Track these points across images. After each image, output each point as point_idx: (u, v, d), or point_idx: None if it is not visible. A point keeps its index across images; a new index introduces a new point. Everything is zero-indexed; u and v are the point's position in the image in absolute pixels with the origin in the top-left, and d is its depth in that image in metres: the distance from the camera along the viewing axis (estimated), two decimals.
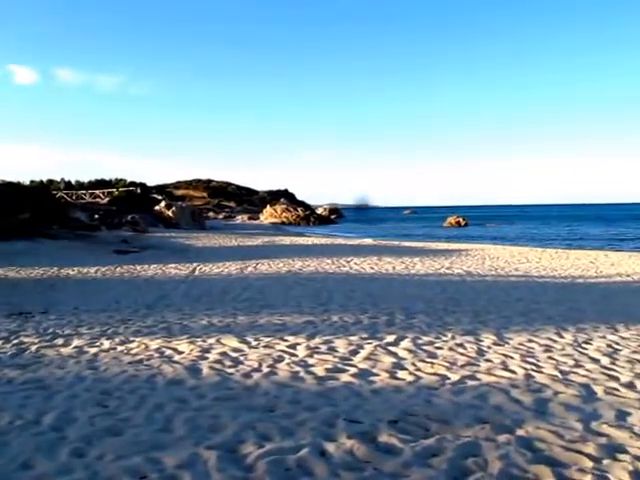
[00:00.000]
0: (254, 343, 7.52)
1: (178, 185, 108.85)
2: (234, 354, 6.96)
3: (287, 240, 32.97)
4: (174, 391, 5.55)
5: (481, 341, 7.73)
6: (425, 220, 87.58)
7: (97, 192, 50.94)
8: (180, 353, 7.03)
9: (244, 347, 7.31)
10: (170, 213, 44.85)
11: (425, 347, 7.34)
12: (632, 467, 3.95)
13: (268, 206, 78.42)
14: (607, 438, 4.46)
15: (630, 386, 5.89)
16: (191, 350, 7.15)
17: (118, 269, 17.07)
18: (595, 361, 6.88)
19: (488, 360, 6.76)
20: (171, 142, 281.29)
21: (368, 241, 34.54)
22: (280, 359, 6.75)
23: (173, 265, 18.05)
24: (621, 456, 4.14)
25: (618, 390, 5.73)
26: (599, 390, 5.70)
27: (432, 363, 6.58)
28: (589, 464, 3.99)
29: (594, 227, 64.84)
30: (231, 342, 7.57)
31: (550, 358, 6.93)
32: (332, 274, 16.23)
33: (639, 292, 14.00)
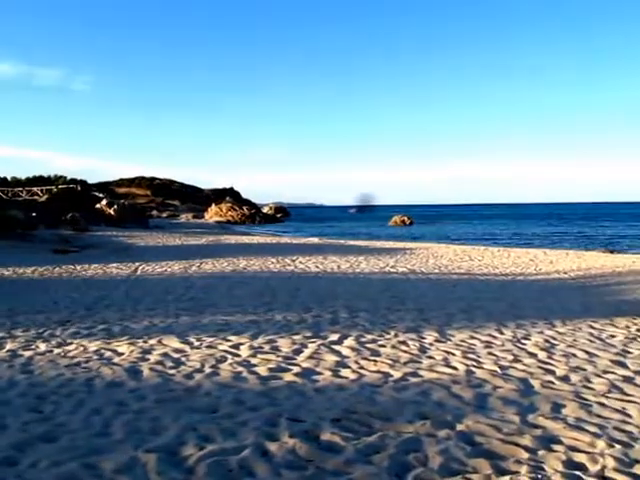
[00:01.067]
0: (196, 343, 7.43)
1: (121, 183, 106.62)
2: (176, 355, 6.86)
3: (232, 239, 32.75)
4: (113, 394, 5.42)
5: (424, 338, 7.84)
6: (371, 219, 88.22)
7: (35, 189, 49.24)
8: (120, 355, 6.88)
9: (186, 348, 7.21)
10: (112, 211, 43.94)
11: (368, 345, 7.39)
12: (565, 457, 4.08)
13: (213, 204, 77.73)
14: (543, 430, 4.59)
15: (565, 379, 6.08)
16: (131, 351, 7.01)
17: (57, 269, 16.60)
18: (533, 356, 7.07)
19: (430, 357, 6.86)
20: (115, 140, 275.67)
21: (314, 240, 34.64)
22: (223, 359, 6.68)
23: (114, 265, 17.68)
24: (556, 447, 4.27)
25: (554, 383, 5.91)
26: (536, 384, 5.86)
27: (375, 361, 6.63)
28: (525, 455, 4.10)
29: (539, 226, 66.68)
30: (173, 343, 7.45)
31: (490, 354, 7.09)
32: (277, 273, 16.19)
33: (575, 289, 14.43)
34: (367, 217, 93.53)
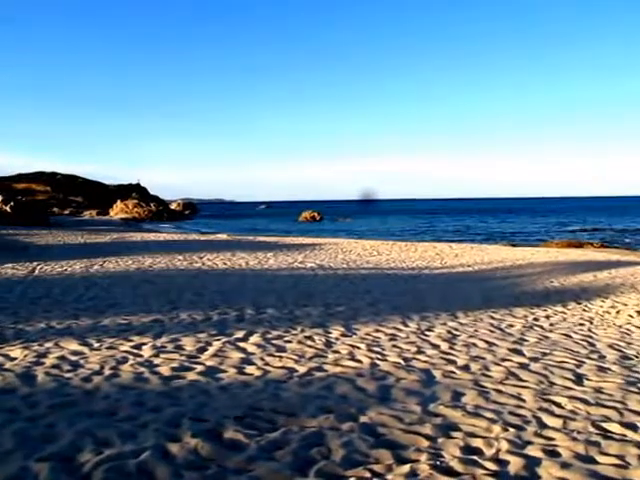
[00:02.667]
0: (96, 345, 7.14)
1: (19, 179, 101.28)
2: (73, 357, 6.55)
3: (138, 236, 31.83)
4: (3, 401, 5.10)
5: (330, 333, 7.89)
6: (281, 215, 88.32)
7: None
8: (12, 360, 6.49)
9: (85, 350, 6.90)
10: (8, 208, 41.65)
11: (274, 341, 7.36)
12: (463, 443, 4.22)
13: (119, 201, 75.35)
14: (443, 418, 4.72)
15: (465, 368, 6.29)
16: (25, 356, 6.63)
17: None
18: (436, 347, 7.27)
19: (336, 351, 6.91)
20: (11, 133, 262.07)
21: (222, 236, 34.26)
22: (124, 360, 6.45)
23: (10, 265, 16.74)
24: (454, 433, 4.40)
25: (455, 373, 6.10)
26: (438, 374, 6.02)
27: (280, 357, 6.60)
28: (425, 443, 4.20)
29: (451, 221, 68.95)
30: (71, 345, 7.12)
31: (395, 346, 7.22)
32: (183, 270, 15.88)
33: (478, 281, 14.99)
34: (275, 213, 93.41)
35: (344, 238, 35.22)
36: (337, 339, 7.56)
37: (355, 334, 7.87)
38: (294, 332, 7.89)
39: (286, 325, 8.35)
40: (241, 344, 7.20)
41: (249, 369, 6.13)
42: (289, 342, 7.32)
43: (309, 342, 7.35)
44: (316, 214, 69.46)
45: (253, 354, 6.74)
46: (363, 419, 4.66)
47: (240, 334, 7.71)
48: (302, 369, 6.10)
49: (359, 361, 6.48)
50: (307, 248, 24.27)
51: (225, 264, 17.60)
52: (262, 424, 4.57)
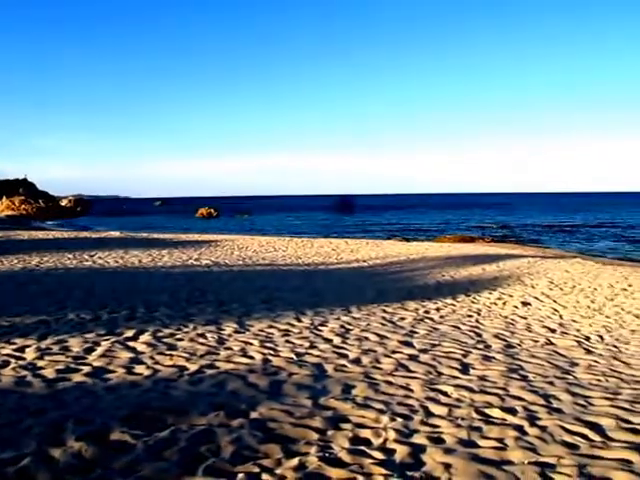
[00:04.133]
0: None
1: None
2: None
3: (25, 234, 30.12)
4: None
5: (223, 330, 7.79)
6: (177, 212, 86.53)
7: None
8: None
9: None
10: None
11: (165, 340, 7.17)
12: (352, 434, 4.29)
13: (4, 197, 71.09)
14: (333, 411, 4.77)
15: (357, 361, 6.40)
16: None
17: None
18: (328, 341, 7.35)
19: (228, 348, 6.83)
20: None
21: (115, 234, 33.05)
22: (5, 364, 6.06)
23: None
24: (344, 425, 4.46)
25: (346, 366, 6.18)
26: (329, 368, 6.08)
27: (171, 355, 6.45)
28: (315, 436, 4.23)
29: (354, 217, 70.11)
30: None
31: (288, 342, 7.23)
32: (73, 269, 15.20)
33: (372, 276, 15.30)
34: (172, 210, 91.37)
35: (241, 235, 34.93)
36: (230, 336, 7.47)
37: (248, 330, 7.82)
38: (186, 330, 7.73)
39: (178, 323, 8.15)
40: (131, 343, 6.97)
41: (138, 369, 5.93)
42: (181, 340, 7.16)
43: (201, 339, 7.22)
44: (212, 210, 68.52)
45: (143, 353, 6.53)
46: (254, 415, 4.63)
47: (130, 333, 7.46)
48: (193, 367, 5.98)
49: (251, 357, 6.44)
50: (203, 245, 23.89)
51: (117, 262, 16.99)
52: (150, 424, 4.43)
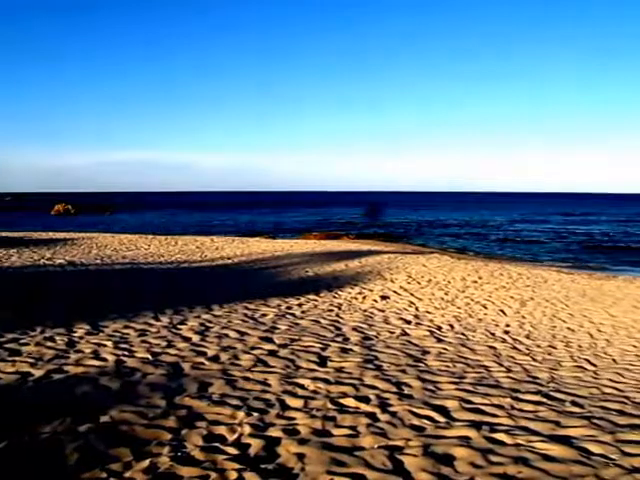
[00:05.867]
0: None
1: None
2: None
3: None
4: None
5: (74, 332, 7.38)
6: (30, 207, 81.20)
7: None
8: None
9: None
10: None
11: (8, 345, 6.64)
12: (207, 432, 4.25)
13: None
14: (188, 410, 4.69)
15: (215, 359, 6.33)
16: None
17: None
18: (187, 340, 7.21)
19: (79, 351, 6.49)
20: None
21: None
22: None
23: None
24: (199, 423, 4.42)
25: (204, 364, 6.10)
26: (186, 367, 5.97)
27: (14, 361, 5.99)
28: (168, 437, 4.14)
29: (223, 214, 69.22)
30: None
31: (144, 342, 7.01)
32: None
33: (236, 273, 15.18)
34: (27, 206, 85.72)
35: (101, 232, 33.44)
36: (81, 338, 7.10)
37: (102, 331, 7.47)
38: (32, 334, 7.21)
39: (24, 327, 7.60)
40: None
41: None
42: (26, 345, 6.69)
43: (49, 343, 6.79)
44: (70, 207, 64.99)
45: None
46: (104, 419, 4.43)
47: None
48: (39, 372, 5.61)
49: (104, 359, 6.16)
50: (58, 243, 22.57)
51: None
52: None
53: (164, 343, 6.97)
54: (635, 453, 4.00)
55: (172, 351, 6.60)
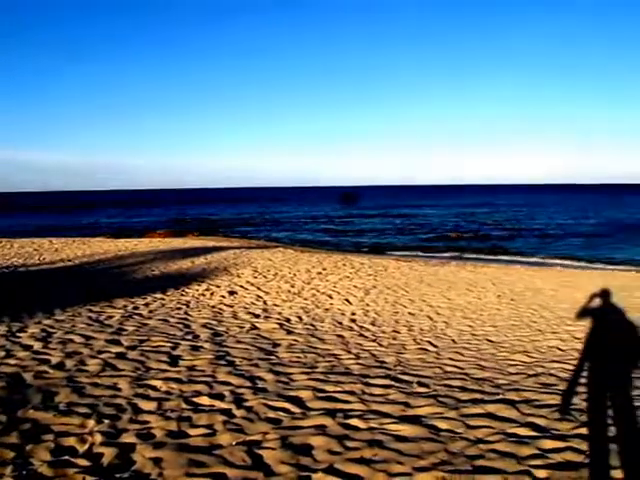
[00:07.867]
0: None
1: None
2: None
3: None
4: None
5: None
6: None
7: None
8: None
9: None
10: None
11: None
12: (54, 445, 4.03)
13: None
14: (32, 423, 4.41)
15: (60, 366, 6.02)
16: None
17: None
18: (28, 348, 6.77)
19: None
20: None
21: None
22: None
23: None
24: (45, 436, 4.18)
25: (48, 372, 5.78)
26: (28, 376, 5.62)
27: None
28: (11, 455, 3.87)
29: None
30: None
31: None
32: None
33: (78, 275, 14.45)
34: None
35: None
36: None
37: None
38: None
39: None
40: None
41: None
42: None
43: None
44: None
45: None
46: None
47: None
48: None
49: None
50: None
51: None
52: None
53: (2, 353, 6.49)
54: (477, 425, 4.39)
55: (12, 361, 6.17)
